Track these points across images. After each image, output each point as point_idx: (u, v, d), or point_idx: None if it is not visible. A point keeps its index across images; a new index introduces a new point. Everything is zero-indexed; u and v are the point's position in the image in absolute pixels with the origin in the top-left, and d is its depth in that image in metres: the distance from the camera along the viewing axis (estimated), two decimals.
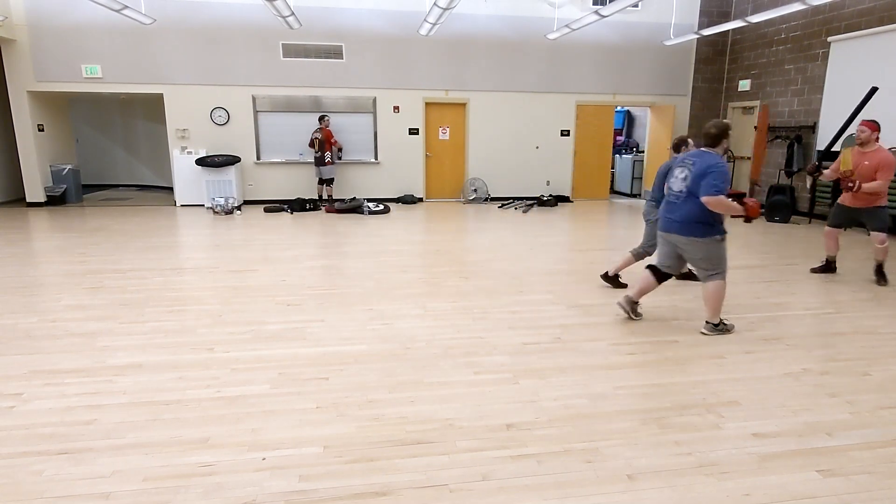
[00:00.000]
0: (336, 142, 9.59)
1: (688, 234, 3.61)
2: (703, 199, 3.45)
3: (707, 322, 3.78)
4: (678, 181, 3.65)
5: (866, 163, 4.82)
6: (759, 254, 6.26)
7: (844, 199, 5.08)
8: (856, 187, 4.84)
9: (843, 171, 4.97)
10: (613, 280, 4.87)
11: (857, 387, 3.01)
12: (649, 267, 3.99)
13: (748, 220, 3.70)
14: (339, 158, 9.88)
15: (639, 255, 4.77)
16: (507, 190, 10.86)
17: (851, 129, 6.52)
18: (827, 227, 5.27)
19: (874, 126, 4.83)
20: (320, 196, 9.90)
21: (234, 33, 9.37)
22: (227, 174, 9.52)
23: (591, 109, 10.87)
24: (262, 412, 2.68)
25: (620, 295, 4.25)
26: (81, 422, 2.58)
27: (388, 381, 3.03)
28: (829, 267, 5.40)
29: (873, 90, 5.35)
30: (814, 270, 5.46)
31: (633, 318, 4.04)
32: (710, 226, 3.57)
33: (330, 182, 9.78)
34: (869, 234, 5.18)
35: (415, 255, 6.14)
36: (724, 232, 3.61)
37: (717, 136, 3.59)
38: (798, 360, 3.35)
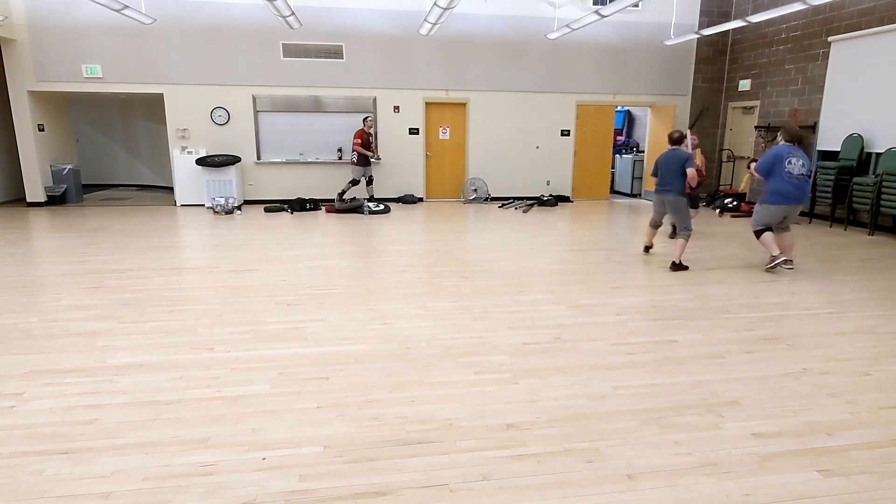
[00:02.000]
0: (357, 143, 9.26)
1: (805, 201, 5.26)
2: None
3: (788, 260, 5.28)
4: (798, 167, 5.16)
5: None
6: (759, 253, 6.25)
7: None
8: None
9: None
10: (681, 266, 5.49)
11: (857, 387, 3.01)
12: (767, 229, 5.37)
13: None
14: (355, 161, 9.47)
15: (687, 236, 5.55)
16: (508, 190, 10.86)
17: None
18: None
19: (696, 134, 6.90)
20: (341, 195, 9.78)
21: (234, 33, 9.37)
22: (227, 174, 9.52)
23: (592, 109, 10.87)
24: (262, 412, 2.69)
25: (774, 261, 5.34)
26: (81, 421, 2.58)
27: (388, 381, 3.03)
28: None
29: (702, 110, 7.68)
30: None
31: (790, 266, 5.34)
32: None
33: (354, 183, 9.62)
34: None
35: (415, 254, 6.14)
36: None
37: (802, 135, 5.40)
38: (798, 360, 3.36)
